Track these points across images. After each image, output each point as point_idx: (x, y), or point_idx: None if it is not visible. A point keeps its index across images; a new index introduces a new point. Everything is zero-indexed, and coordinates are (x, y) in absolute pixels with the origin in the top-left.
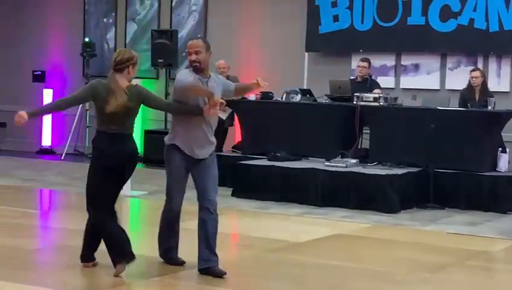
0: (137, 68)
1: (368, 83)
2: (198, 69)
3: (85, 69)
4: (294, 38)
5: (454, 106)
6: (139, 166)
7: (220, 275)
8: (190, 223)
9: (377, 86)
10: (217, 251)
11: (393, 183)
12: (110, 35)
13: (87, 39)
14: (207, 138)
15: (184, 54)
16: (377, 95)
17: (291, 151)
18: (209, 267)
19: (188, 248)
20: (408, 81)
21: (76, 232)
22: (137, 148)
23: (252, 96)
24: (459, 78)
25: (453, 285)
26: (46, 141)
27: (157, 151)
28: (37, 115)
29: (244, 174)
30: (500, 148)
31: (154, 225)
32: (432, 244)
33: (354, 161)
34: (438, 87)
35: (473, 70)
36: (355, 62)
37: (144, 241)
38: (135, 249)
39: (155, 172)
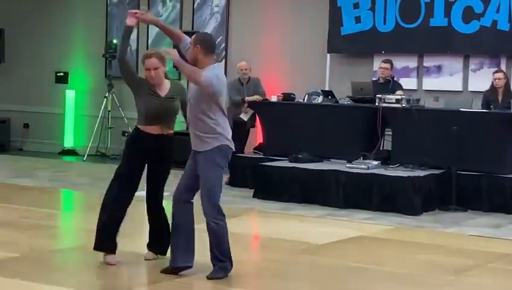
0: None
1: (390, 85)
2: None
3: (107, 71)
4: (316, 40)
5: (477, 107)
6: None
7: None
8: None
9: (399, 87)
10: (238, 251)
11: (415, 185)
12: (133, 36)
13: (110, 40)
14: (191, 128)
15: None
16: (399, 97)
17: (313, 152)
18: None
19: (206, 247)
20: (430, 83)
21: None
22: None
23: (274, 98)
24: (481, 79)
25: (476, 288)
26: (69, 142)
27: (181, 153)
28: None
29: (265, 176)
30: None
31: None
32: (454, 246)
33: (375, 162)
34: (461, 89)
35: (496, 71)
36: (377, 63)
37: None
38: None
39: (176, 173)
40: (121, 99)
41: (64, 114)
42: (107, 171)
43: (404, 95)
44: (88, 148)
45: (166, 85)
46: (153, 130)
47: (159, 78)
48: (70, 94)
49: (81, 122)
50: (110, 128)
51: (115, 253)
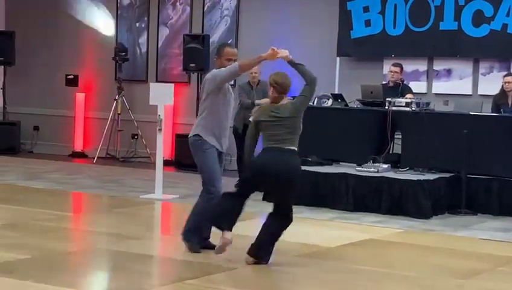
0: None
1: (399, 88)
2: None
3: (117, 73)
4: (326, 43)
5: (486, 111)
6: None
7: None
8: None
9: (409, 91)
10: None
11: (425, 188)
12: (143, 39)
13: (120, 43)
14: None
15: (215, 58)
16: (409, 100)
17: (323, 155)
18: None
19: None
20: (440, 87)
21: (109, 235)
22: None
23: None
24: (491, 83)
25: None
26: (79, 144)
27: (188, 155)
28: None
29: None
30: None
31: None
32: (464, 250)
33: (385, 166)
34: (471, 93)
35: (506, 75)
36: (387, 67)
37: (175, 245)
38: (167, 252)
39: (186, 176)
40: (131, 102)
41: (74, 117)
42: (117, 174)
43: (413, 98)
44: (98, 151)
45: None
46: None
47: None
48: (80, 97)
49: (91, 125)
50: (119, 131)
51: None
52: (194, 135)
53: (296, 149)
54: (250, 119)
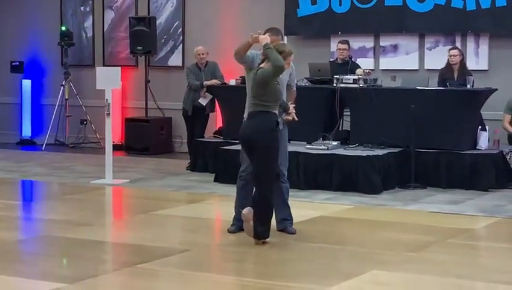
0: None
1: (349, 65)
2: None
3: (63, 59)
4: (273, 22)
5: (433, 85)
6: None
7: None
8: (173, 210)
9: (358, 67)
10: (200, 236)
11: (374, 164)
12: (88, 23)
13: (64, 28)
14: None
15: (163, 40)
16: (356, 77)
17: None
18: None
19: (169, 233)
20: (387, 62)
21: (60, 222)
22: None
23: (232, 82)
24: (437, 57)
25: (436, 263)
26: (26, 131)
27: (138, 139)
28: None
29: (226, 160)
30: (479, 127)
31: (136, 213)
32: (414, 223)
33: (335, 143)
34: (417, 67)
35: (451, 48)
36: (334, 44)
37: (126, 229)
38: (118, 237)
39: (136, 160)
40: (78, 88)
41: (21, 104)
42: (67, 160)
43: (363, 74)
44: (46, 138)
45: None
46: None
47: None
48: (26, 83)
49: (38, 112)
50: (68, 116)
51: None
52: None
53: (268, 110)
54: (199, 100)
